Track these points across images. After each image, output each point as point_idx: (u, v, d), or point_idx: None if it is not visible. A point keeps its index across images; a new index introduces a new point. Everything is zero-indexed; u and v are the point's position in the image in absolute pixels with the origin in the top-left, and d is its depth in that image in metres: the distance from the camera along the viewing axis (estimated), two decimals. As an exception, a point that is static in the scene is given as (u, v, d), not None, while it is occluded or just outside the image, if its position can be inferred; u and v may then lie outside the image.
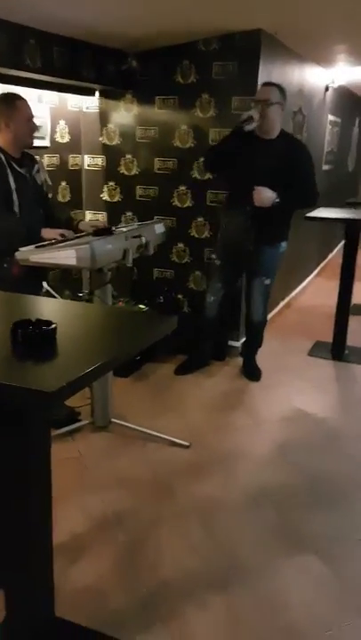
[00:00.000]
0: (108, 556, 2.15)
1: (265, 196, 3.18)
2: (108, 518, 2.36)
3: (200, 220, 3.95)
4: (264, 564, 2.13)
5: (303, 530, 2.33)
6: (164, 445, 2.89)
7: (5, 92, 2.85)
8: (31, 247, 2.45)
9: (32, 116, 2.78)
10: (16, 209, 2.67)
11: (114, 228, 2.67)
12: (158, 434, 2.92)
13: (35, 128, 2.83)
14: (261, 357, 3.82)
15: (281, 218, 3.41)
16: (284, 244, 3.55)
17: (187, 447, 2.87)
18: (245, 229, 3.31)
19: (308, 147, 3.54)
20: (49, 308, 1.70)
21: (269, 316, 4.79)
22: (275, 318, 4.90)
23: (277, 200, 3.20)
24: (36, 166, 2.89)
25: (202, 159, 3.76)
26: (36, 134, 3.58)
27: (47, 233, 2.62)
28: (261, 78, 3.69)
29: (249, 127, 3.15)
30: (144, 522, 2.35)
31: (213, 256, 3.68)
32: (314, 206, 3.68)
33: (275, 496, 2.54)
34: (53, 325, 1.31)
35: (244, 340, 3.93)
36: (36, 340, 1.28)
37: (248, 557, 2.17)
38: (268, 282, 3.57)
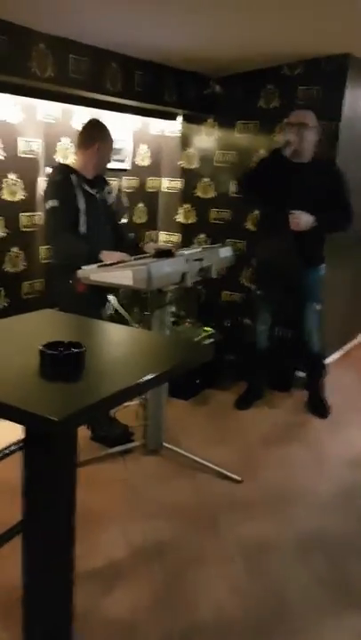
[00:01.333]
0: (143, 589, 2.07)
1: (303, 220, 3.13)
2: (148, 548, 2.28)
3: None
4: (310, 617, 1.96)
5: (356, 584, 2.13)
6: (214, 477, 2.78)
7: (92, 118, 2.95)
8: (93, 266, 2.48)
9: (110, 149, 2.90)
10: (83, 229, 2.73)
11: (174, 251, 2.64)
12: (210, 464, 2.82)
13: (109, 160, 2.95)
14: (333, 391, 3.61)
15: (319, 240, 3.33)
16: (323, 266, 3.43)
17: (239, 482, 2.74)
18: (286, 253, 3.24)
19: (341, 169, 3.41)
20: (92, 329, 1.68)
21: (344, 349, 4.57)
22: (352, 351, 4.66)
23: (315, 224, 3.14)
24: (107, 187, 2.94)
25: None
26: (116, 157, 3.73)
27: (106, 256, 2.65)
28: (348, 103, 3.57)
29: (288, 151, 3.15)
30: (185, 557, 2.24)
31: (254, 287, 3.65)
32: (350, 228, 3.46)
33: (329, 545, 2.35)
34: (81, 349, 1.27)
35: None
36: (62, 362, 1.25)
37: (293, 609, 2.00)
38: (318, 307, 3.44)
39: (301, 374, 3.79)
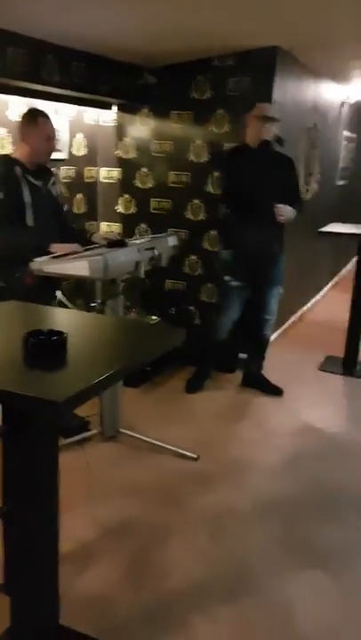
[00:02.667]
0: (115, 565, 2.16)
1: (288, 212, 3.33)
2: (115, 527, 2.37)
3: (213, 232, 3.98)
4: (272, 576, 2.13)
5: (311, 542, 2.33)
6: (172, 456, 2.90)
7: (32, 107, 2.92)
8: (46, 258, 2.50)
9: (52, 136, 2.83)
10: (30, 222, 2.72)
11: (127, 241, 2.71)
12: (167, 445, 2.93)
13: (52, 148, 2.88)
14: (272, 370, 3.82)
15: (282, 227, 3.51)
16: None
17: (195, 459, 2.88)
18: (266, 243, 3.39)
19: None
20: (61, 317, 1.74)
21: (282, 328, 4.81)
22: (287, 331, 4.91)
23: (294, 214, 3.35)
24: (53, 179, 2.94)
25: (216, 173, 3.85)
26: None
27: (57, 249, 2.65)
28: (276, 94, 3.74)
29: (256, 142, 3.30)
30: (151, 532, 2.36)
31: (228, 278, 3.52)
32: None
33: (283, 508, 2.54)
34: (64, 335, 1.34)
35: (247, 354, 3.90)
36: (46, 349, 1.31)
37: (256, 569, 2.17)
38: (282, 290, 3.64)
39: (243, 355, 3.97)
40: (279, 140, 3.38)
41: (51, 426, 1.40)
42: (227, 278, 3.51)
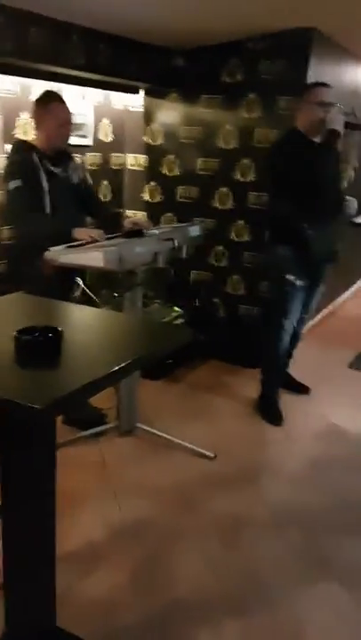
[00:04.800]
0: (121, 568, 2.08)
1: (354, 206, 3.18)
2: (125, 528, 2.30)
3: (240, 222, 3.84)
4: (285, 589, 2.02)
5: (330, 557, 2.20)
6: (189, 455, 2.80)
7: (46, 90, 2.81)
8: (61, 247, 2.42)
9: (67, 121, 2.70)
10: (48, 209, 2.65)
11: (145, 231, 2.60)
12: (184, 443, 2.84)
13: (67, 134, 2.76)
14: (299, 367, 3.67)
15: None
16: None
17: (212, 459, 2.78)
18: (330, 240, 3.17)
19: None
20: (64, 313, 1.65)
21: (311, 324, 4.65)
22: (316, 327, 4.74)
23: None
24: (72, 164, 2.85)
25: (244, 161, 3.70)
26: (78, 133, 3.60)
27: (79, 233, 2.58)
28: (311, 78, 3.55)
29: (318, 131, 2.97)
30: (162, 534, 2.27)
31: (291, 277, 3.10)
32: None
33: (302, 517, 2.41)
34: (59, 333, 1.25)
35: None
36: (38, 348, 1.22)
37: (268, 580, 2.06)
38: (324, 288, 3.46)
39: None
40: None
41: (43, 428, 1.32)
42: (290, 277, 3.09)
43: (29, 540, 1.47)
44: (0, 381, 1.14)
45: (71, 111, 2.75)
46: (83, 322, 1.54)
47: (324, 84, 3.10)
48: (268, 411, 3.27)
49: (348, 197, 3.12)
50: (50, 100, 2.67)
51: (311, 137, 3.01)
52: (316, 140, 3.02)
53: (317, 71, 3.63)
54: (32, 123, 3.13)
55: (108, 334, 1.46)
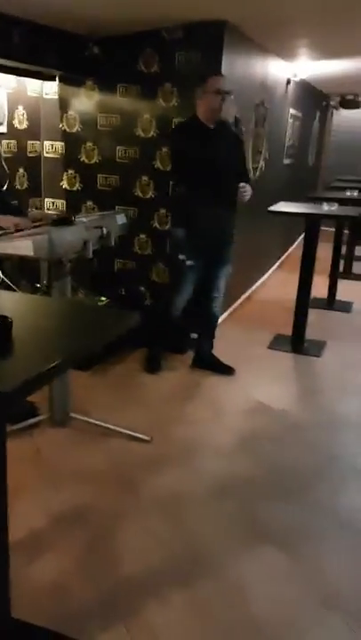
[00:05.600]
0: (67, 553, 2.10)
1: (249, 192, 3.31)
2: (67, 514, 2.31)
3: (162, 211, 3.90)
4: (227, 558, 2.13)
5: (265, 521, 2.34)
6: (124, 440, 2.85)
7: None
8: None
9: None
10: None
11: (74, 218, 2.60)
12: (119, 428, 2.88)
13: None
14: (222, 349, 3.82)
15: (235, 207, 3.46)
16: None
17: (147, 441, 2.84)
18: (224, 221, 3.38)
19: None
20: (5, 301, 1.63)
21: (231, 308, 4.82)
22: (236, 311, 4.92)
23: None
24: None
25: (164, 149, 3.75)
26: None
27: (3, 221, 2.52)
28: (225, 69, 3.66)
29: (213, 118, 3.22)
30: (105, 517, 2.31)
31: (182, 257, 3.38)
32: None
33: (237, 488, 2.55)
34: (8, 320, 1.25)
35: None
36: (-8, 335, 1.22)
37: (210, 551, 2.16)
38: (231, 269, 3.62)
39: (194, 335, 3.94)
40: (236, 121, 3.31)
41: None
42: (181, 257, 3.39)
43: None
44: None
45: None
46: (25, 309, 1.54)
47: (218, 74, 3.39)
48: (152, 364, 3.70)
49: (241, 184, 3.29)
50: None
51: (208, 124, 3.26)
52: (212, 126, 3.26)
53: (230, 62, 3.75)
54: None
55: (54, 321, 1.47)
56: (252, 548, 2.19)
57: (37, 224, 2.59)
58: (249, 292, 5.45)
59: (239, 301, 5.08)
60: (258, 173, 4.93)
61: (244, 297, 5.24)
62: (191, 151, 3.21)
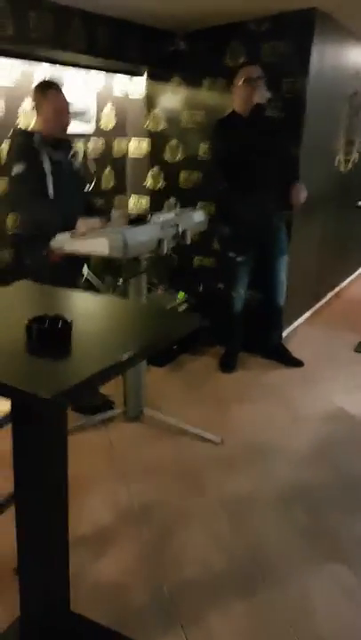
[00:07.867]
0: (131, 551, 2.12)
1: (304, 194, 3.22)
2: (134, 511, 2.34)
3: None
4: (291, 569, 2.05)
5: (336, 535, 2.23)
6: (195, 439, 2.84)
7: (44, 79, 2.83)
8: (66, 235, 2.43)
9: (64, 109, 2.73)
10: (51, 193, 2.65)
11: (149, 217, 2.60)
12: (190, 427, 2.87)
13: (65, 122, 2.78)
14: (305, 350, 3.69)
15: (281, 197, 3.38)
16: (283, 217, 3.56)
17: (219, 443, 2.81)
18: (264, 214, 3.33)
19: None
20: (71, 301, 1.66)
21: (316, 306, 4.65)
22: (322, 309, 4.74)
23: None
24: (72, 151, 2.86)
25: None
26: (80, 119, 3.59)
27: (83, 223, 2.58)
28: (314, 60, 3.51)
29: (248, 108, 3.25)
30: (170, 516, 2.31)
31: (232, 254, 3.45)
32: None
33: (308, 497, 2.45)
34: (69, 323, 1.26)
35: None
36: (49, 337, 1.24)
37: (276, 560, 2.10)
38: (287, 259, 3.56)
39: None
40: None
41: (55, 416, 1.34)
42: (231, 255, 3.42)
43: (42, 525, 1.50)
44: (11, 370, 1.16)
45: (69, 100, 2.78)
46: (90, 310, 1.55)
47: (248, 63, 3.37)
48: (227, 362, 3.63)
49: (297, 184, 3.21)
50: (47, 88, 2.69)
51: (243, 114, 3.26)
52: (246, 115, 3.26)
53: (320, 52, 3.59)
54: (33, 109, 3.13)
55: (116, 322, 1.47)
56: (320, 563, 2.09)
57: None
58: (338, 288, 5.23)
59: (325, 300, 4.89)
60: (350, 165, 4.71)
61: (330, 295, 5.04)
62: (229, 144, 3.24)
